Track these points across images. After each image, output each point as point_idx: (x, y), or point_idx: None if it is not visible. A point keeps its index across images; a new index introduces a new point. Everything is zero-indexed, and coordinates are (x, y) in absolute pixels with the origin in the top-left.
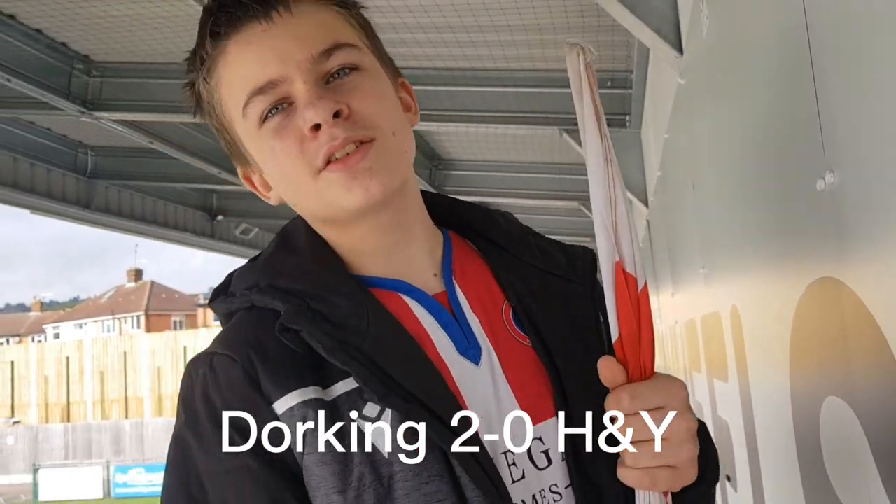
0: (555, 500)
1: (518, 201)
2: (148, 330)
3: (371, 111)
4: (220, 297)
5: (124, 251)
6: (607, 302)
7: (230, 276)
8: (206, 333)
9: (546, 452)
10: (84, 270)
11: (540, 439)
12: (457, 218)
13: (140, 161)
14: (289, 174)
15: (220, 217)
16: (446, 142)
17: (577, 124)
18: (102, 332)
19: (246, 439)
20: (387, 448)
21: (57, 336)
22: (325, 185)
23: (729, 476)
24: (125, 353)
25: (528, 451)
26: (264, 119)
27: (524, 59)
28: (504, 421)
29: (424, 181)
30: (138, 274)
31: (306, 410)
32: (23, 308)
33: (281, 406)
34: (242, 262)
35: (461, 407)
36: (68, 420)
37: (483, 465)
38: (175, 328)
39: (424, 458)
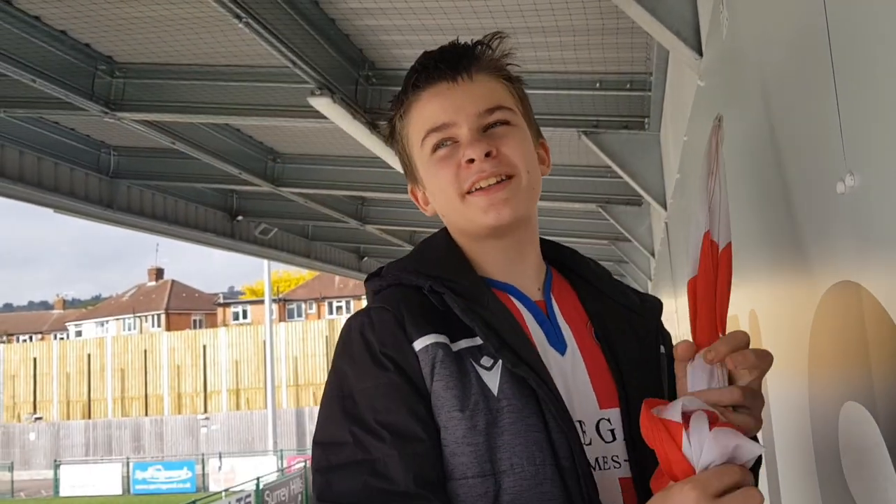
0: (614, 467)
1: (545, 204)
2: (168, 328)
3: (513, 155)
4: (374, 278)
5: (146, 250)
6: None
7: (381, 267)
8: (224, 332)
9: (612, 431)
10: (106, 269)
11: (608, 420)
12: (558, 257)
13: (162, 161)
14: (445, 193)
15: (240, 217)
16: None
17: (595, 126)
18: (123, 331)
19: (392, 363)
20: (496, 390)
21: (79, 334)
22: (469, 206)
23: None
24: (145, 351)
25: (597, 425)
26: (435, 150)
27: (543, 61)
28: (580, 396)
29: None
30: (159, 273)
31: (437, 349)
32: (46, 306)
33: (419, 344)
34: (262, 261)
35: (549, 374)
36: (89, 417)
37: (564, 413)
38: (195, 327)
39: (525, 400)
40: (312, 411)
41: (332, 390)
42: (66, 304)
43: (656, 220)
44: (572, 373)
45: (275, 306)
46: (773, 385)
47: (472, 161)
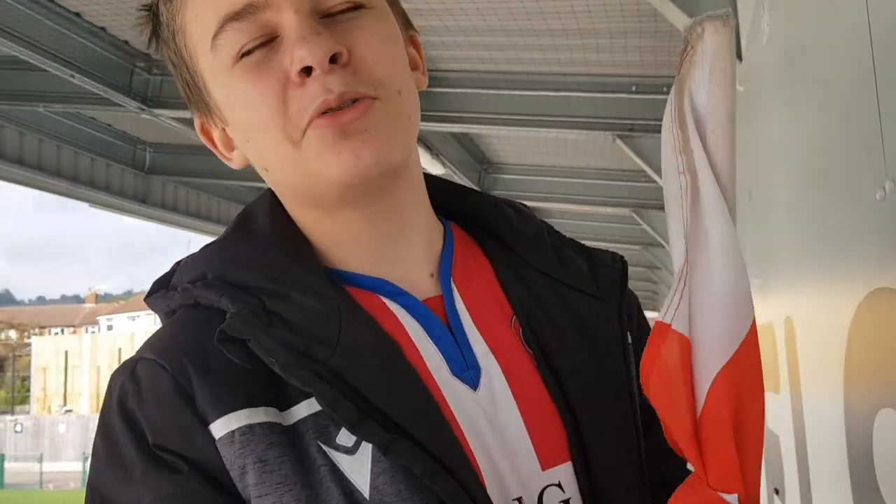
0: None
1: (568, 207)
2: None
3: (376, 60)
4: (160, 291)
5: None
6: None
7: (176, 264)
8: None
9: (568, 501)
10: (138, 264)
11: (557, 485)
12: (459, 207)
13: (195, 158)
14: (262, 130)
15: None
16: (497, 145)
17: (630, 129)
18: (154, 325)
19: (180, 461)
20: (367, 488)
21: (110, 328)
22: (306, 150)
23: (777, 489)
24: None
25: (540, 497)
26: (241, 56)
27: (578, 63)
28: (510, 459)
29: (473, 184)
30: None
31: (249, 438)
32: (78, 300)
33: (219, 429)
34: None
35: (455, 438)
36: None
37: None
38: None
39: (418, 501)
40: None
41: (93, 492)
42: (99, 298)
43: None
44: (493, 416)
45: None
46: (808, 391)
47: (308, 71)
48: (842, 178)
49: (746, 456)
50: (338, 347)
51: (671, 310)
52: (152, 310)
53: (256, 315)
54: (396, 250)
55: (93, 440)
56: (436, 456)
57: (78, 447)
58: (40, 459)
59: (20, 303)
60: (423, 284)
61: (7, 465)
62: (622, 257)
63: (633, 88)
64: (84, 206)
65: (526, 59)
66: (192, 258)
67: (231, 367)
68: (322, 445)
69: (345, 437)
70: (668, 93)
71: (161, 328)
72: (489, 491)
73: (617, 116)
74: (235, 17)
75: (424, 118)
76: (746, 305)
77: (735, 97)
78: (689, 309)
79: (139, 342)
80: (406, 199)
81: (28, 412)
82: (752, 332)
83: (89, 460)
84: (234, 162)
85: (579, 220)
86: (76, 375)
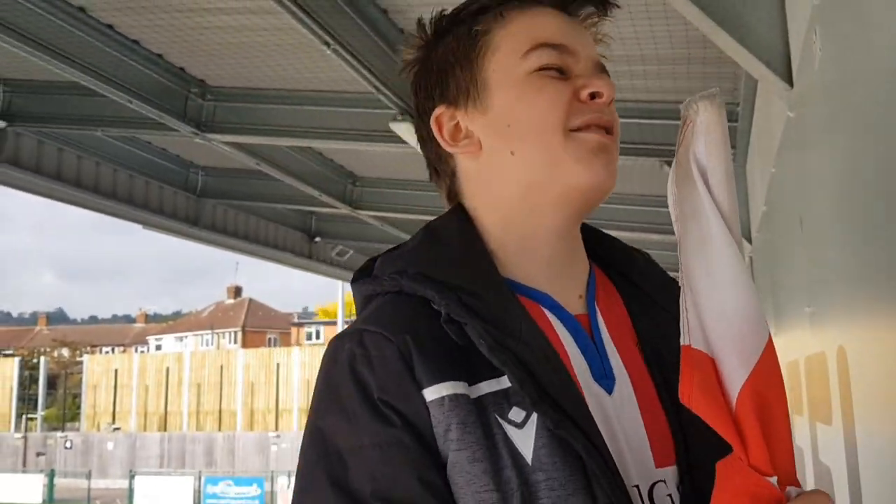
0: None
1: (614, 233)
2: (244, 345)
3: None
4: (363, 279)
5: (226, 269)
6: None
7: (371, 260)
8: (298, 351)
9: (669, 497)
10: (187, 286)
11: (664, 482)
12: (597, 248)
13: (246, 182)
14: (542, 122)
15: (318, 238)
16: None
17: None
18: (201, 346)
19: (398, 416)
20: (529, 456)
21: (159, 347)
22: (572, 147)
23: None
24: (222, 366)
25: (651, 491)
26: (542, 67)
27: (626, 89)
28: (632, 454)
29: None
30: (238, 291)
31: (455, 404)
32: (128, 319)
33: (431, 394)
34: (337, 283)
35: (597, 426)
36: (165, 429)
37: (619, 490)
38: (270, 345)
39: (569, 471)
40: None
41: (312, 449)
42: (148, 318)
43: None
44: (622, 418)
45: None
46: (862, 423)
47: (593, 97)
48: (895, 205)
49: (777, 448)
50: (520, 340)
51: (685, 331)
52: (357, 293)
53: (459, 305)
54: (561, 270)
55: (313, 394)
56: (589, 438)
57: (125, 465)
58: (88, 476)
59: (73, 321)
60: (574, 302)
61: (57, 480)
62: None
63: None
64: (137, 227)
65: None
66: (388, 256)
67: (439, 345)
68: (498, 418)
69: (515, 414)
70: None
71: (375, 307)
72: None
73: (665, 142)
74: (549, 45)
75: None
76: (760, 324)
77: (729, 159)
78: (709, 332)
79: (187, 363)
80: (577, 234)
81: (78, 429)
82: (769, 346)
83: (312, 408)
84: (456, 147)
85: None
86: (125, 394)
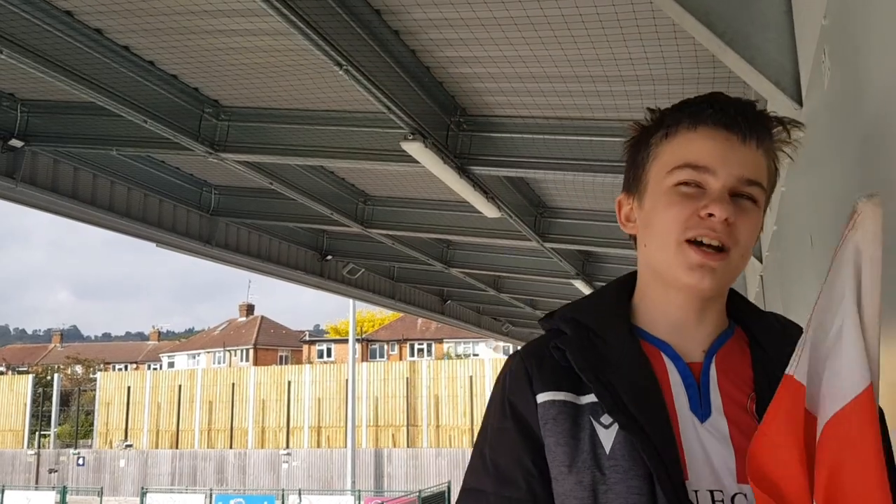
0: None
1: (622, 252)
2: (256, 363)
3: (743, 234)
4: (548, 317)
5: (238, 287)
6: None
7: (564, 306)
8: (309, 369)
9: None
10: (200, 304)
11: (744, 495)
12: (743, 317)
13: (259, 200)
14: (665, 229)
15: (329, 257)
16: (552, 190)
17: None
18: (214, 363)
19: (512, 411)
20: (608, 447)
21: (171, 365)
22: (680, 255)
23: None
24: (233, 384)
25: (733, 499)
26: (678, 184)
27: (635, 109)
28: (716, 467)
29: (529, 228)
30: (250, 309)
31: (555, 406)
32: (142, 337)
33: (541, 397)
34: (348, 301)
35: (673, 437)
36: (177, 447)
37: (673, 479)
38: (281, 363)
39: (633, 462)
40: (391, 453)
41: (484, 419)
42: (161, 335)
43: (750, 273)
44: (711, 441)
45: (358, 346)
46: None
47: (710, 215)
48: None
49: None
50: (615, 369)
51: (794, 362)
52: (541, 326)
53: (578, 339)
54: (686, 330)
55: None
56: (652, 441)
57: (137, 482)
58: (100, 493)
59: (87, 339)
60: (695, 354)
61: (69, 497)
62: None
63: None
64: (150, 246)
65: (581, 105)
66: (572, 303)
67: (554, 366)
68: (592, 419)
69: (605, 419)
70: None
71: (540, 337)
72: (690, 480)
73: None
74: (691, 165)
75: (481, 163)
76: (863, 371)
77: (880, 256)
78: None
79: (199, 380)
80: (710, 305)
81: (90, 446)
82: (868, 391)
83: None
84: (627, 228)
85: (634, 266)
86: (137, 411)
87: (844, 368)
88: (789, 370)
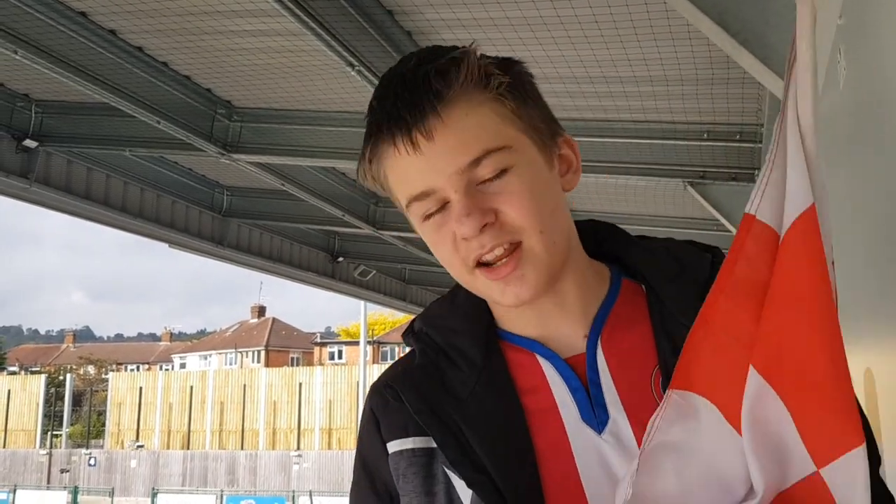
0: None
1: None
2: (267, 364)
3: (517, 214)
4: (407, 332)
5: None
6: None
7: (425, 311)
8: (321, 371)
9: None
10: (212, 305)
11: None
12: (625, 259)
13: (270, 202)
14: (448, 264)
15: (340, 258)
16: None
17: (701, 177)
18: (225, 365)
19: (363, 462)
20: (466, 500)
21: (183, 366)
22: (480, 283)
23: None
24: (245, 385)
25: None
26: (426, 217)
27: (650, 111)
28: (618, 491)
29: None
30: (261, 310)
31: (403, 457)
32: (154, 337)
33: (391, 448)
34: (359, 303)
35: (538, 492)
36: (188, 447)
37: None
38: (292, 364)
39: None
40: None
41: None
42: (173, 336)
43: None
44: (613, 454)
45: (369, 348)
46: (890, 445)
47: (466, 239)
48: None
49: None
50: (463, 404)
51: (756, 199)
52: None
53: (424, 368)
54: (552, 320)
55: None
56: (506, 497)
57: (148, 482)
58: (111, 493)
59: (100, 339)
60: (574, 343)
61: (80, 497)
62: None
63: (705, 136)
64: (163, 248)
65: (595, 107)
66: (426, 309)
67: (398, 406)
68: (445, 469)
69: None
70: (740, 140)
71: (397, 361)
72: None
73: (689, 164)
74: (416, 198)
75: None
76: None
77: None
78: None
79: (210, 381)
80: (564, 286)
81: (102, 446)
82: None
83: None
84: None
85: None
86: (149, 412)
87: (790, 190)
88: (749, 209)
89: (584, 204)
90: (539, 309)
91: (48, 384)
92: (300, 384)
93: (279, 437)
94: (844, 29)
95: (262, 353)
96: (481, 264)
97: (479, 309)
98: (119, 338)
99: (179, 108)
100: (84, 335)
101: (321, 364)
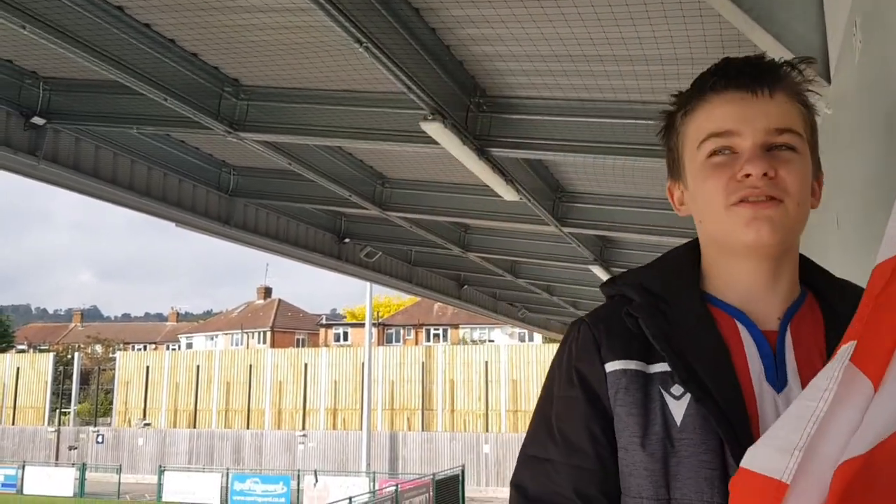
0: None
1: (642, 237)
2: (273, 345)
3: (790, 182)
4: (610, 283)
5: (256, 270)
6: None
7: (625, 272)
8: (326, 352)
9: None
10: (219, 286)
11: None
12: (815, 282)
13: (277, 182)
14: (710, 200)
15: (347, 239)
16: (571, 173)
17: None
18: (231, 345)
19: (580, 379)
20: (679, 419)
21: (190, 346)
22: (731, 217)
23: None
24: (251, 366)
25: None
26: (711, 155)
27: (659, 91)
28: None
29: (548, 213)
30: (267, 292)
31: (626, 375)
32: (161, 318)
33: (610, 366)
34: (365, 285)
35: (746, 410)
36: (194, 426)
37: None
38: (298, 345)
39: (706, 435)
40: (405, 436)
41: (545, 385)
42: (180, 317)
43: None
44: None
45: (374, 330)
46: None
47: (747, 176)
48: None
49: None
50: (687, 337)
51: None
52: (603, 292)
53: (650, 307)
54: (758, 296)
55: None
56: (726, 414)
57: (154, 460)
58: (119, 471)
59: (107, 319)
60: (769, 322)
61: (88, 474)
62: None
63: None
64: (171, 229)
65: (604, 87)
66: (633, 270)
67: (623, 333)
68: (661, 390)
69: (675, 389)
70: None
71: (599, 306)
72: None
73: None
74: (716, 134)
75: (501, 144)
76: None
77: None
78: None
79: (217, 361)
80: (781, 268)
81: (109, 424)
82: None
83: None
84: (682, 212)
85: (651, 251)
86: (156, 391)
87: None
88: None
89: (594, 186)
90: (753, 278)
91: (56, 363)
92: (306, 365)
93: (284, 417)
94: (860, 1)
95: (268, 334)
96: (743, 202)
97: (691, 269)
98: (126, 318)
99: (187, 86)
100: (92, 314)
101: (326, 345)
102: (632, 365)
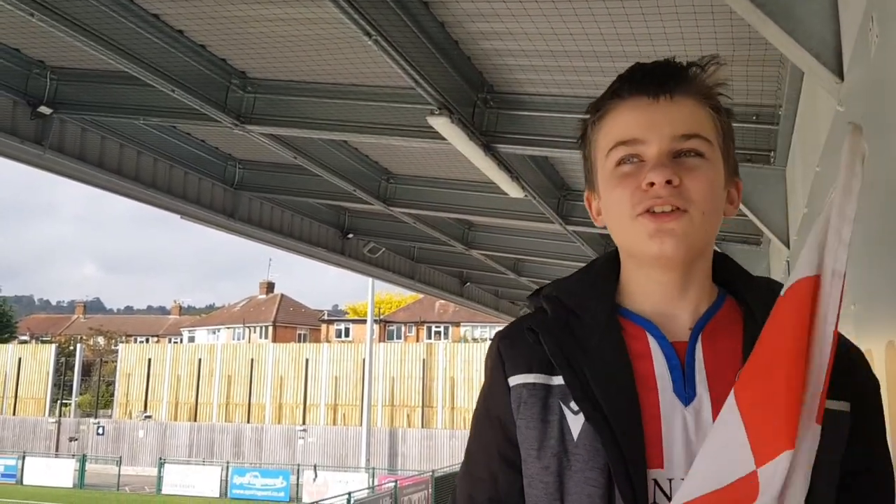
0: None
1: None
2: (274, 340)
3: (695, 190)
4: (534, 296)
5: (259, 265)
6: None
7: (551, 283)
8: (327, 348)
9: None
10: (221, 280)
11: None
12: (733, 283)
13: (282, 176)
14: (617, 209)
15: (350, 235)
16: (577, 171)
17: None
18: (233, 339)
19: (489, 395)
20: (576, 433)
21: (192, 339)
22: (637, 228)
23: None
24: (252, 360)
25: None
26: (619, 164)
27: None
28: (696, 453)
29: (553, 211)
30: (270, 287)
31: (525, 389)
32: (163, 311)
33: (512, 381)
34: (367, 282)
35: (639, 426)
36: (195, 420)
37: (634, 471)
38: (299, 340)
39: (596, 452)
40: (405, 433)
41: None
42: (182, 310)
43: (775, 260)
44: (694, 426)
45: (376, 327)
46: None
47: (652, 185)
48: None
49: None
50: (587, 353)
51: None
52: (529, 306)
53: (556, 320)
54: (671, 303)
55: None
56: (615, 434)
57: (155, 453)
58: (119, 462)
59: (110, 311)
60: (680, 332)
61: (88, 466)
62: (860, 354)
63: None
64: (175, 222)
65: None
66: (556, 281)
67: (525, 347)
68: (561, 403)
69: (574, 405)
70: (757, 121)
71: (520, 318)
72: (666, 468)
73: None
74: (623, 142)
75: (507, 141)
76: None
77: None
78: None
79: (218, 355)
80: (690, 277)
81: (110, 416)
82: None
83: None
84: (598, 222)
85: None
86: (157, 383)
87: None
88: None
89: None
90: (664, 289)
91: (58, 354)
92: (307, 360)
93: (285, 412)
94: None
95: (270, 329)
96: (647, 213)
97: (608, 282)
98: (129, 310)
99: (194, 78)
100: (94, 307)
101: (328, 341)
102: (531, 378)
